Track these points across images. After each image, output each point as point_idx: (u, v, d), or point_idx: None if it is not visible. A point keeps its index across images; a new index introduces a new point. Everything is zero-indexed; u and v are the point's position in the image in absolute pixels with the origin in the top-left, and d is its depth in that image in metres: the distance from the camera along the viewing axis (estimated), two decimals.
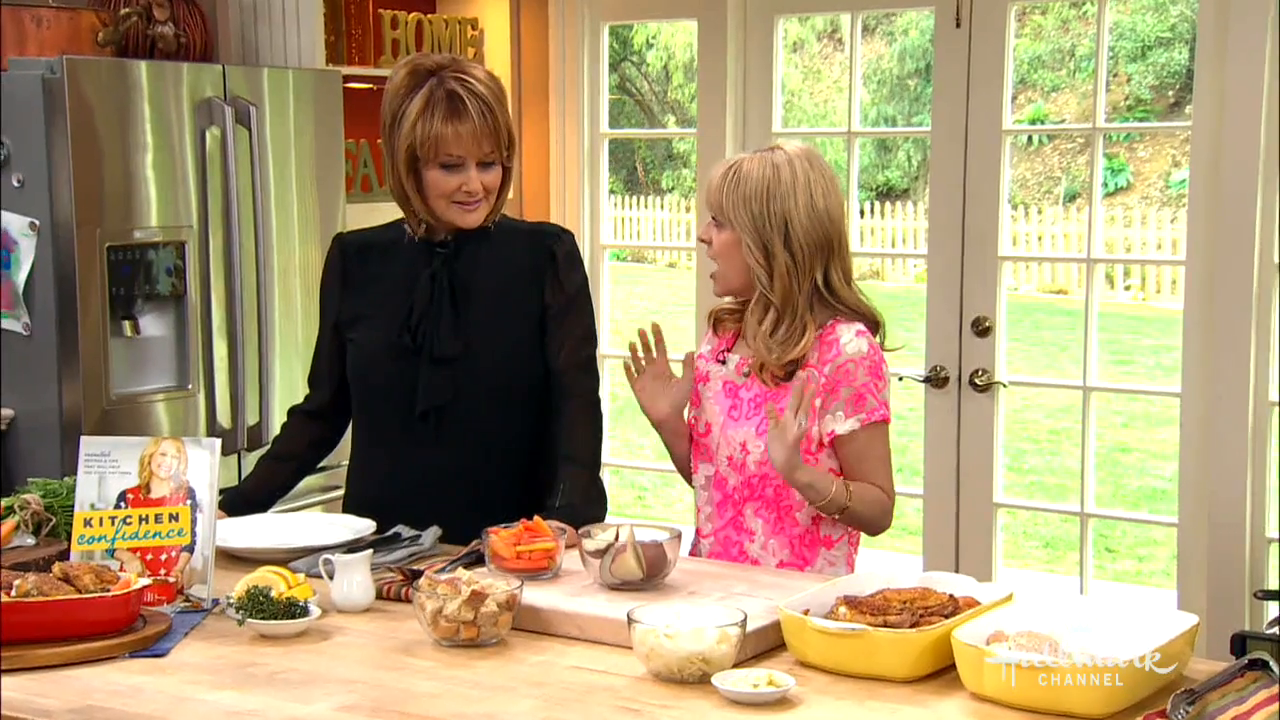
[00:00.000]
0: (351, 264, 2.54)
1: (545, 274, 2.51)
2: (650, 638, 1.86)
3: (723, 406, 2.44)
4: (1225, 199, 3.47)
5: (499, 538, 2.22)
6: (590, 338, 2.58)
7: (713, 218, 2.41)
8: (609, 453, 4.55)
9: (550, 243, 2.54)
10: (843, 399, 2.35)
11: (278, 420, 3.56)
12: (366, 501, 2.57)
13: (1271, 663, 1.75)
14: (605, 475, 4.51)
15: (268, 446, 2.71)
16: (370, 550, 2.24)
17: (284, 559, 2.31)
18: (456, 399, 2.46)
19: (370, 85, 4.19)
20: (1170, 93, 13.11)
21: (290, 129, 3.59)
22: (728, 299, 2.47)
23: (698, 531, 2.50)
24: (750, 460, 2.39)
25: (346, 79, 3.88)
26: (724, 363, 2.46)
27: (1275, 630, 2.24)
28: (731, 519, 2.44)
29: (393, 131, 2.42)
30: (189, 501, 2.17)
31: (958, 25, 3.78)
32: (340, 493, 3.68)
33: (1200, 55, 3.55)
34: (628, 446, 7.83)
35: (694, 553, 2.50)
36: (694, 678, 1.84)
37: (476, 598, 1.97)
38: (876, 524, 2.41)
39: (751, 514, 2.43)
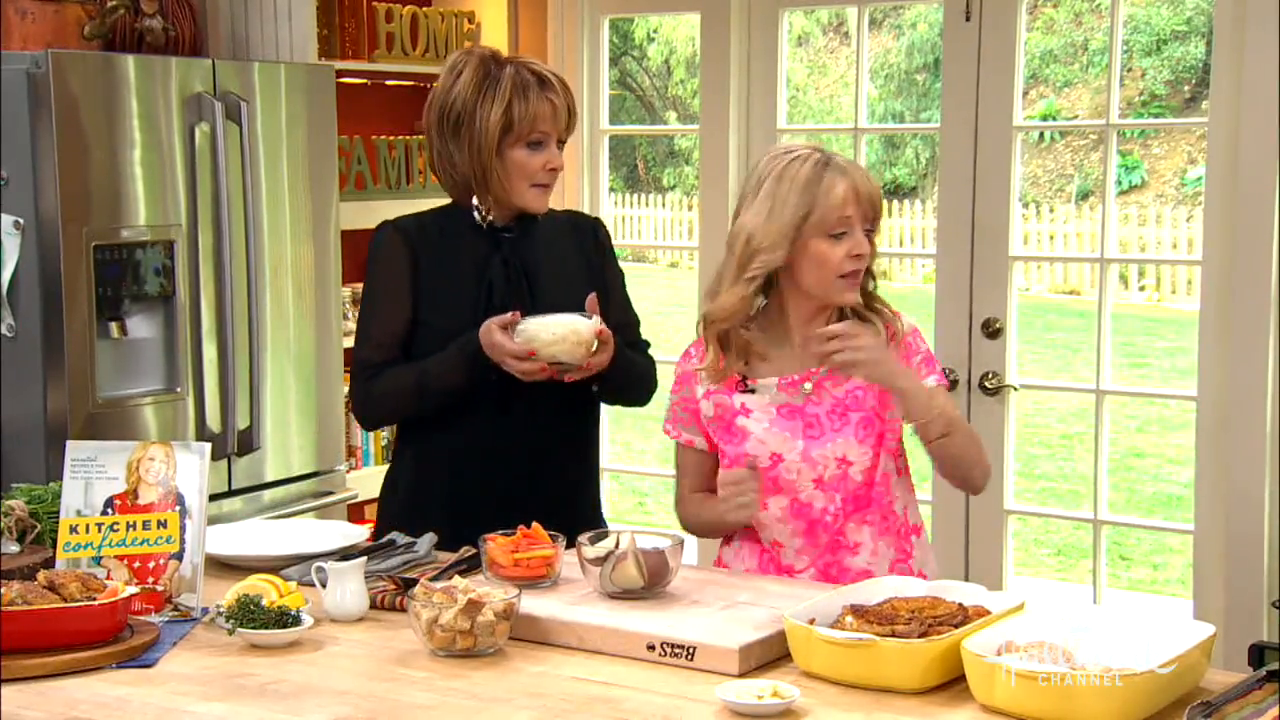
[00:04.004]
0: (418, 250, 2.51)
1: (597, 255, 2.62)
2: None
3: (793, 430, 2.34)
4: (1243, 197, 3.42)
5: (496, 545, 2.22)
6: (638, 320, 2.69)
7: (871, 225, 2.33)
8: (608, 458, 4.51)
9: (594, 226, 2.67)
10: (915, 364, 2.36)
11: (269, 423, 3.52)
12: (427, 492, 2.54)
13: None
14: (605, 481, 4.50)
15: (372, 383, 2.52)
16: (364, 558, 2.23)
17: (275, 566, 2.30)
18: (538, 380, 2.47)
19: (364, 80, 4.15)
20: (1186, 88, 13.08)
21: (282, 125, 3.54)
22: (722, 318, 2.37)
23: (785, 570, 2.37)
24: (854, 471, 2.33)
25: (340, 74, 3.83)
26: (752, 391, 2.36)
27: None
28: (829, 543, 2.36)
29: (474, 114, 2.45)
30: (178, 508, 2.15)
31: (967, 19, 3.73)
32: (332, 499, 3.67)
33: (1217, 49, 3.50)
34: (628, 451, 7.77)
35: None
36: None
37: (473, 606, 1.96)
38: (979, 464, 2.37)
39: (855, 526, 2.36)
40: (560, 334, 2.38)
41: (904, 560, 2.39)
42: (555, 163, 2.49)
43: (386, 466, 3.52)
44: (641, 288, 12.47)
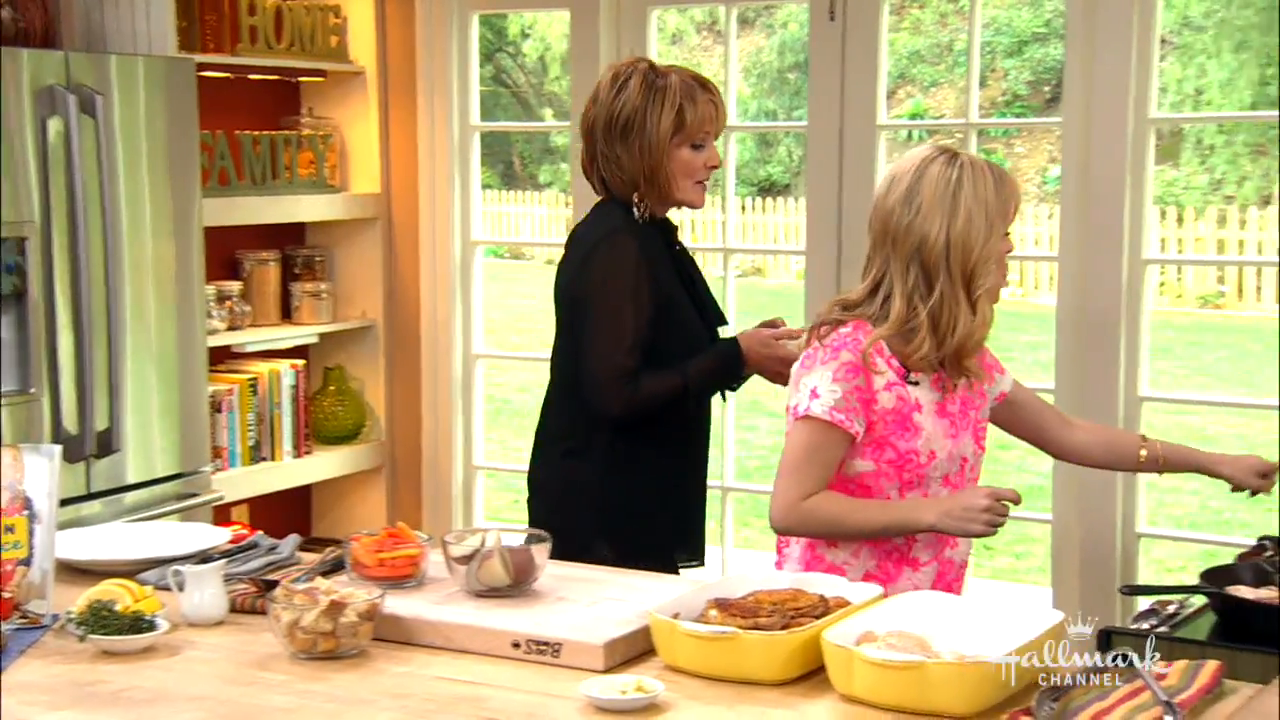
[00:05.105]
0: (646, 254, 2.65)
1: None
2: None
3: (944, 428, 2.34)
4: (1095, 195, 3.51)
5: (360, 544, 2.20)
6: None
7: None
8: (484, 454, 4.48)
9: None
10: (992, 365, 2.50)
11: (130, 424, 3.43)
12: (637, 497, 2.66)
13: (1134, 657, 1.76)
14: (480, 478, 4.48)
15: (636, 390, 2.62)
16: (224, 560, 2.20)
17: (131, 571, 2.25)
18: None
19: (227, 74, 4.06)
20: (1046, 88, 13.42)
21: (140, 119, 3.44)
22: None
23: (910, 563, 2.35)
24: (967, 468, 2.38)
25: (201, 67, 3.74)
26: (916, 384, 2.33)
27: (1139, 625, 2.26)
28: (949, 539, 2.36)
29: (645, 118, 2.64)
30: (26, 512, 2.10)
31: (831, 18, 3.78)
32: (197, 500, 3.59)
33: (1070, 51, 3.58)
34: (504, 448, 7.75)
35: (880, 583, 2.26)
36: None
37: (335, 608, 1.94)
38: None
39: None
40: None
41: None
42: (714, 160, 2.71)
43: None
44: (518, 285, 12.51)
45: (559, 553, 2.23)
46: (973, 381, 2.38)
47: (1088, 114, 3.50)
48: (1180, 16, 13.01)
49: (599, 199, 2.76)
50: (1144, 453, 2.56)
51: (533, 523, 2.73)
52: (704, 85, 2.69)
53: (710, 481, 2.84)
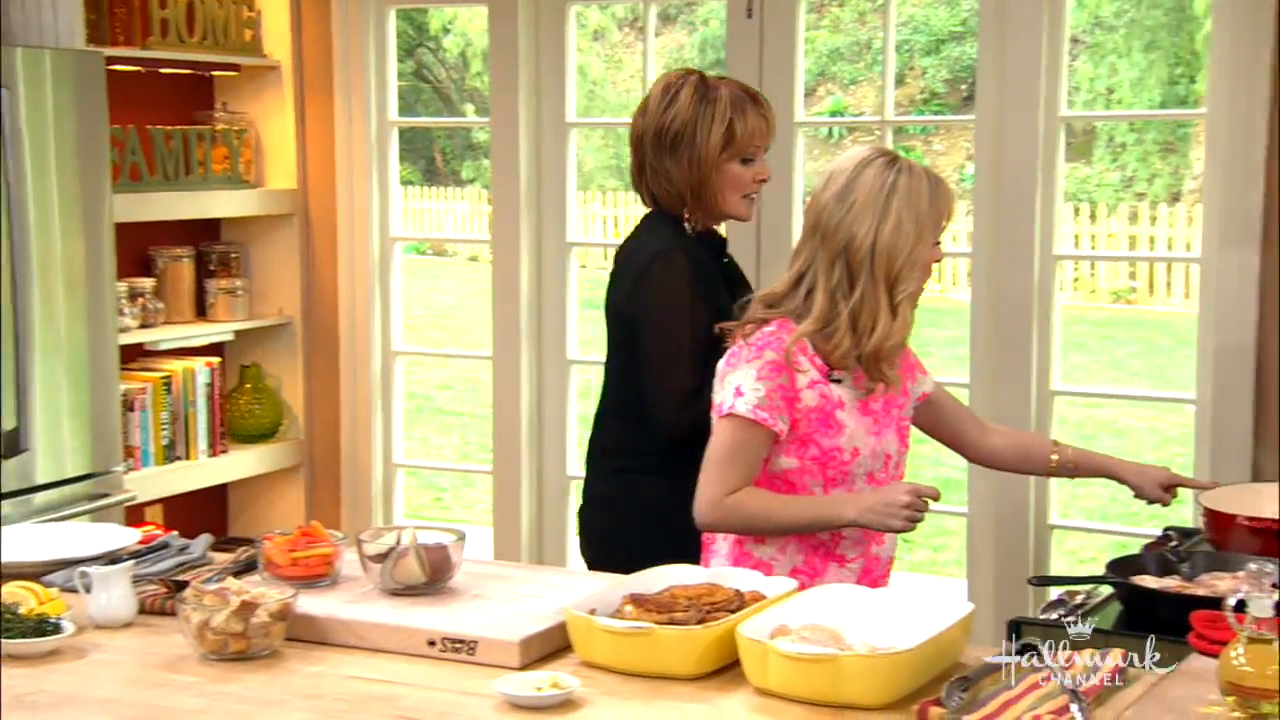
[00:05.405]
0: (695, 272, 2.63)
1: None
2: None
3: (867, 425, 2.36)
4: (1007, 191, 3.56)
5: (273, 544, 2.19)
6: None
7: None
8: (404, 452, 4.46)
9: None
10: (914, 365, 2.51)
11: (38, 423, 3.36)
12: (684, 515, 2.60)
13: (1041, 647, 1.79)
14: (400, 476, 4.46)
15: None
16: (132, 561, 2.17)
17: (37, 573, 2.22)
18: None
19: (138, 67, 3.99)
20: (963, 86, 13.59)
21: (48, 114, 3.37)
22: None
23: (836, 559, 2.37)
24: (891, 465, 2.39)
25: (111, 60, 3.67)
26: (839, 382, 2.34)
27: (1047, 615, 2.30)
28: (875, 535, 2.37)
29: (695, 131, 2.62)
30: None
31: (749, 15, 3.80)
32: (109, 501, 3.53)
33: (982, 49, 3.64)
34: (425, 446, 7.72)
35: (807, 579, 2.31)
36: None
37: (246, 608, 1.93)
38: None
39: None
40: None
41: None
42: (764, 174, 2.68)
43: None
44: (440, 281, 12.42)
45: (617, 569, 2.26)
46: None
47: (1000, 112, 3.56)
48: (1091, 16, 13.24)
49: (647, 211, 2.73)
50: (1055, 458, 2.61)
51: (587, 537, 2.73)
52: (754, 99, 2.67)
53: None
